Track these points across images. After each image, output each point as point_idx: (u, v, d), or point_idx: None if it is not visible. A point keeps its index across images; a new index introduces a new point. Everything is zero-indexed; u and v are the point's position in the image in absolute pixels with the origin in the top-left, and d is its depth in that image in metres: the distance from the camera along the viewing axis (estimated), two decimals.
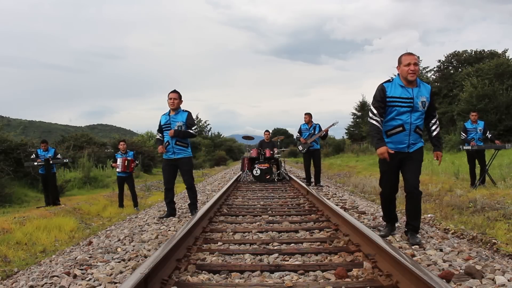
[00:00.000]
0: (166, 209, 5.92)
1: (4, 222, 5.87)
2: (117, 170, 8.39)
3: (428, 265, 2.93)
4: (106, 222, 6.98)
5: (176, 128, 5.60)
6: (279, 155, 11.79)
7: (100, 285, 2.77)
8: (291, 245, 3.76)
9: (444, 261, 3.04)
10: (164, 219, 5.59)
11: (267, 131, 12.19)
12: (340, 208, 5.25)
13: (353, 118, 38.50)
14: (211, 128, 46.50)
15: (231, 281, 2.80)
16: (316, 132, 9.60)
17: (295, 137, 10.37)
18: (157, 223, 5.33)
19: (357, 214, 5.32)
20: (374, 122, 3.56)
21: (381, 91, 3.56)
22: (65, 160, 10.30)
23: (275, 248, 3.65)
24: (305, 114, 9.70)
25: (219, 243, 3.85)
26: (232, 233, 4.37)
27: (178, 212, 6.15)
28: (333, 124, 9.85)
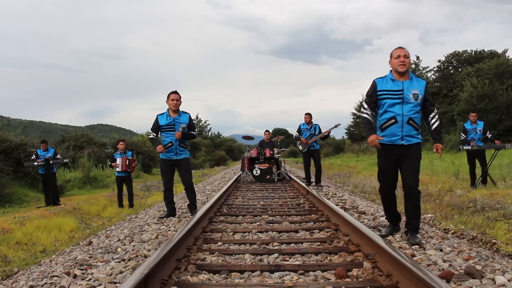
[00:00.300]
0: (166, 209, 5.92)
1: (4, 222, 5.87)
2: (117, 169, 8.38)
3: (428, 265, 2.93)
4: (106, 222, 6.98)
5: (180, 128, 5.62)
6: (279, 155, 11.79)
7: (100, 285, 2.77)
8: (291, 245, 3.76)
9: (444, 261, 3.04)
10: (164, 219, 5.59)
11: (267, 131, 12.19)
12: (340, 208, 5.25)
13: (353, 118, 38.51)
14: (211, 128, 46.54)
15: (231, 281, 2.80)
16: (317, 132, 9.60)
17: (294, 137, 10.37)
18: (157, 223, 5.33)
19: (357, 214, 5.32)
20: (364, 115, 3.75)
21: (372, 86, 3.74)
22: (65, 160, 10.30)
23: (275, 248, 3.64)
24: (306, 114, 9.69)
25: (219, 243, 3.85)
26: (232, 233, 4.37)
27: (178, 212, 6.15)
28: (335, 126, 9.85)
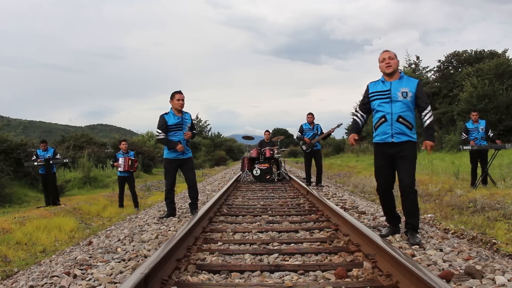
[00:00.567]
0: (166, 209, 5.92)
1: (4, 222, 5.87)
2: (119, 169, 8.38)
3: (428, 265, 2.93)
4: (106, 222, 6.98)
5: (187, 128, 5.68)
6: (279, 155, 11.79)
7: (100, 285, 2.77)
8: (291, 245, 3.76)
9: (444, 261, 3.04)
10: (164, 219, 5.59)
11: (267, 131, 12.19)
12: (340, 208, 5.25)
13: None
14: (211, 128, 46.53)
15: (231, 281, 2.80)
16: (319, 132, 9.60)
17: (295, 136, 10.35)
18: (157, 223, 5.33)
19: (357, 214, 5.32)
20: (354, 117, 4.06)
21: (365, 90, 3.95)
22: (65, 160, 10.30)
23: (275, 248, 3.65)
24: (309, 114, 9.70)
25: (219, 243, 3.85)
26: (232, 233, 4.37)
27: (178, 212, 6.15)
28: (338, 126, 9.85)
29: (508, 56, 22.00)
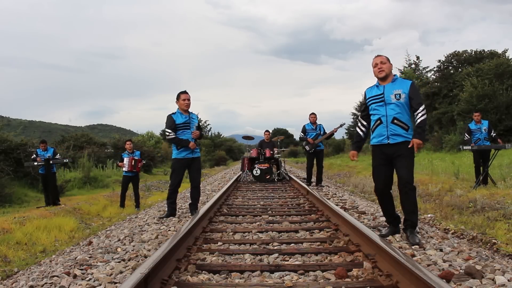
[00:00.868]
0: (166, 209, 5.91)
1: (4, 222, 5.87)
2: (124, 169, 8.38)
3: (428, 265, 2.93)
4: (106, 222, 6.98)
5: (194, 127, 5.71)
6: (279, 155, 11.79)
7: (100, 285, 2.77)
8: (291, 245, 3.76)
9: (444, 261, 3.04)
10: (164, 219, 5.59)
11: (267, 131, 12.19)
12: (340, 208, 5.25)
13: (353, 118, 38.50)
14: (211, 128, 46.54)
15: (231, 281, 2.80)
16: (321, 132, 9.60)
17: (298, 137, 10.35)
18: (157, 223, 5.33)
19: (357, 214, 5.33)
20: (357, 129, 4.14)
21: (363, 97, 4.07)
22: (65, 160, 10.30)
23: (275, 248, 3.65)
24: (312, 114, 9.70)
25: (219, 243, 3.85)
26: (232, 233, 4.37)
27: (178, 212, 6.15)
28: (340, 126, 9.86)
29: (508, 56, 21.97)
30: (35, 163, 9.38)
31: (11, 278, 3.78)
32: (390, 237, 3.84)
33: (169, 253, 2.96)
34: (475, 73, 19.61)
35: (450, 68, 24.22)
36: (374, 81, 3.96)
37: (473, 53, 23.78)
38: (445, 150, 18.29)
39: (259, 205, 6.60)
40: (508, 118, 17.40)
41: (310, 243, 3.80)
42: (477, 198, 5.94)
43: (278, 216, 5.45)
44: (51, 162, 9.33)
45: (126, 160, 8.31)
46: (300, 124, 9.83)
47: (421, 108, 3.74)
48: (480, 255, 3.19)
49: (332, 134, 9.73)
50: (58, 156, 9.82)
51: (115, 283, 2.79)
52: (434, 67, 25.46)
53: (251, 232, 4.37)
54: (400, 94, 3.75)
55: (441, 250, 3.33)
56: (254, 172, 11.03)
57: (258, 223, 4.94)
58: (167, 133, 5.64)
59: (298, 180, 9.78)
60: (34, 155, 9.57)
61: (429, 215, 5.46)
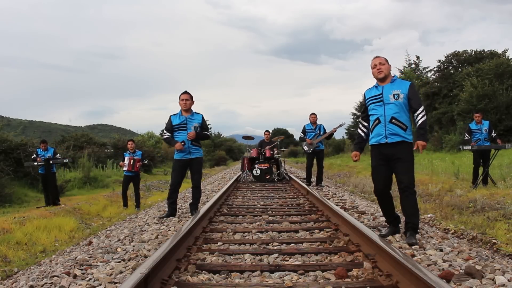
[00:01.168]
0: (166, 209, 5.91)
1: (4, 222, 5.87)
2: (124, 169, 8.40)
3: (428, 265, 2.93)
4: (106, 222, 6.98)
5: (192, 128, 5.66)
6: (279, 155, 11.79)
7: (100, 285, 2.77)
8: (291, 245, 3.76)
9: (444, 261, 3.04)
10: (164, 219, 5.59)
11: (267, 131, 12.19)
12: (340, 208, 5.25)
13: (353, 118, 38.49)
14: (211, 128, 46.56)
15: (231, 281, 2.80)
16: (321, 132, 9.59)
17: (298, 137, 10.36)
18: (157, 223, 5.33)
19: (357, 214, 5.33)
20: (359, 130, 4.17)
21: (363, 98, 4.13)
22: (65, 160, 10.30)
23: (275, 248, 3.65)
24: (312, 114, 9.71)
25: (219, 243, 3.85)
26: (232, 233, 4.37)
27: (178, 212, 6.15)
28: (340, 125, 9.85)
29: (508, 56, 21.97)
30: (35, 163, 9.38)
31: (11, 278, 3.78)
32: (390, 237, 3.84)
33: (169, 253, 2.95)
34: (475, 73, 19.61)
35: (450, 68, 24.21)
36: (374, 81, 3.97)
37: (473, 53, 23.78)
38: (445, 150, 18.29)
39: (259, 205, 6.60)
40: (508, 118, 17.40)
41: (310, 243, 3.80)
42: (477, 198, 5.95)
43: (278, 216, 5.45)
44: (51, 162, 9.33)
45: (126, 159, 8.33)
46: (300, 124, 9.85)
47: (421, 109, 3.77)
48: (480, 255, 3.19)
49: (331, 134, 9.72)
50: (58, 156, 9.82)
51: (115, 283, 2.79)
52: (434, 67, 25.47)
53: (251, 232, 4.37)
54: (398, 94, 3.78)
55: (441, 250, 3.33)
56: (254, 172, 11.03)
57: (258, 223, 4.94)
58: (163, 134, 5.85)
59: (298, 180, 9.78)
60: (34, 155, 9.57)
61: (429, 215, 5.46)
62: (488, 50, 23.58)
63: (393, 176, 3.89)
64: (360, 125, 4.12)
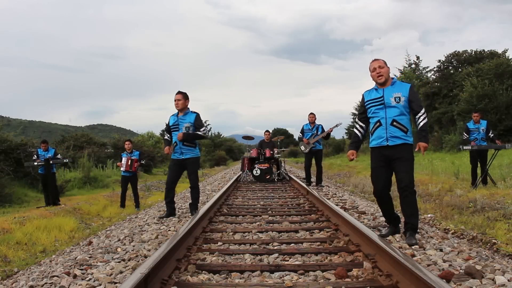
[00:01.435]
0: (166, 209, 5.92)
1: (4, 222, 5.87)
2: (122, 169, 8.41)
3: (428, 265, 2.93)
4: (106, 222, 6.98)
5: (183, 129, 5.63)
6: (279, 155, 11.79)
7: (100, 285, 2.77)
8: (291, 245, 3.76)
9: (444, 261, 3.04)
10: (164, 219, 5.59)
11: (267, 131, 12.19)
12: (340, 208, 5.25)
13: (353, 118, 38.51)
14: (211, 128, 46.55)
15: (231, 281, 2.80)
16: (319, 132, 9.60)
17: (297, 137, 10.39)
18: (157, 223, 5.33)
19: (357, 214, 5.33)
20: (355, 130, 4.16)
21: (361, 100, 4.09)
22: (65, 160, 10.29)
23: (275, 248, 3.65)
24: (310, 113, 9.73)
25: (219, 243, 3.85)
26: (232, 233, 4.37)
27: (178, 212, 6.15)
28: (336, 125, 9.85)
29: (508, 56, 21.96)
30: (35, 163, 9.38)
31: (11, 278, 3.78)
32: (390, 237, 3.85)
33: (169, 253, 2.96)
34: (475, 73, 19.60)
35: (450, 68, 24.21)
36: (374, 82, 3.97)
37: (473, 53, 23.78)
38: (445, 150, 18.29)
39: (259, 205, 6.60)
40: (508, 118, 17.39)
41: (310, 243, 3.80)
42: (477, 198, 5.94)
43: (278, 216, 5.45)
44: (51, 162, 9.33)
45: (124, 160, 8.34)
46: (300, 124, 9.87)
47: (422, 111, 3.80)
48: (480, 255, 3.19)
49: (328, 134, 9.73)
50: (59, 156, 9.82)
51: (115, 283, 2.79)
52: (434, 67, 25.46)
53: (251, 232, 4.37)
54: (400, 97, 3.78)
55: (441, 250, 3.33)
56: (254, 172, 11.03)
57: (258, 223, 4.94)
58: (164, 135, 5.99)
59: (298, 180, 9.78)
60: (35, 155, 9.57)
61: (429, 215, 5.45)
62: (488, 50, 23.58)
63: (393, 177, 3.90)
64: (357, 125, 4.11)
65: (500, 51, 22.97)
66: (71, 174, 14.77)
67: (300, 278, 2.83)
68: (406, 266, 2.43)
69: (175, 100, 5.68)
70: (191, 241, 3.72)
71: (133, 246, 3.95)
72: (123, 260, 3.42)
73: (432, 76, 25.88)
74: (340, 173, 16.44)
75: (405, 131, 3.77)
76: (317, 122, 9.77)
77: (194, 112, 5.76)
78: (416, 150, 3.81)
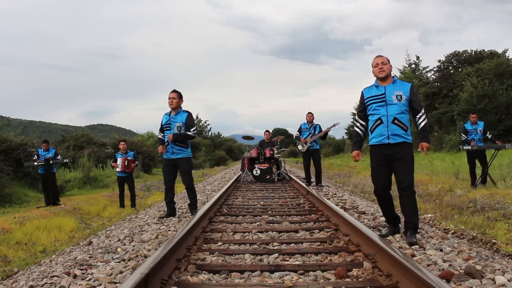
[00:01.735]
0: (166, 209, 5.92)
1: (4, 222, 5.87)
2: (117, 170, 8.40)
3: (428, 265, 2.93)
4: (106, 222, 6.98)
5: (175, 128, 5.61)
6: (279, 155, 11.79)
7: (100, 285, 2.77)
8: (291, 245, 3.76)
9: (444, 261, 3.04)
10: (164, 219, 5.59)
11: (267, 131, 12.19)
12: (340, 208, 5.25)
13: (353, 118, 38.50)
14: (211, 128, 46.57)
15: (231, 281, 2.80)
16: (317, 132, 9.60)
17: (294, 136, 10.41)
18: (157, 223, 5.33)
19: (357, 214, 5.33)
20: (356, 129, 4.10)
21: (360, 96, 4.04)
22: (65, 160, 10.29)
23: (275, 248, 3.65)
24: (309, 113, 9.73)
25: (219, 243, 3.85)
26: (232, 233, 4.37)
27: (178, 212, 6.15)
28: (334, 125, 9.86)
29: (508, 56, 21.95)
30: (35, 163, 9.38)
31: (11, 278, 3.78)
32: (390, 237, 3.85)
33: (169, 253, 2.95)
34: (475, 73, 19.60)
35: (450, 68, 24.20)
36: (373, 80, 3.97)
37: (473, 53, 23.77)
38: (445, 150, 18.29)
39: (259, 205, 6.60)
40: (508, 118, 17.39)
41: (310, 243, 3.80)
42: (477, 198, 5.94)
43: (278, 216, 5.45)
44: (51, 162, 9.33)
45: (119, 160, 8.33)
46: (300, 124, 9.86)
47: (422, 112, 3.83)
48: (480, 255, 3.19)
49: (325, 133, 9.74)
50: (59, 156, 9.82)
51: (115, 283, 2.79)
52: (434, 67, 25.45)
53: (251, 232, 4.37)
54: (401, 96, 3.79)
55: (441, 250, 3.33)
56: (254, 172, 11.03)
57: (258, 223, 4.93)
58: (159, 134, 6.00)
59: (298, 180, 9.78)
60: (35, 155, 9.56)
61: (429, 215, 5.45)
62: (488, 50, 23.57)
63: (393, 176, 3.90)
64: (358, 124, 4.08)
65: (500, 51, 22.98)
66: (71, 174, 14.76)
67: (300, 278, 2.83)
68: (406, 266, 2.43)
69: (169, 98, 5.66)
70: (191, 241, 3.72)
71: (133, 246, 3.95)
72: (123, 260, 3.42)
73: (432, 76, 25.89)
74: (340, 173, 16.44)
75: (405, 129, 3.78)
76: (316, 122, 9.78)
77: (186, 112, 5.74)
78: (418, 150, 3.83)
